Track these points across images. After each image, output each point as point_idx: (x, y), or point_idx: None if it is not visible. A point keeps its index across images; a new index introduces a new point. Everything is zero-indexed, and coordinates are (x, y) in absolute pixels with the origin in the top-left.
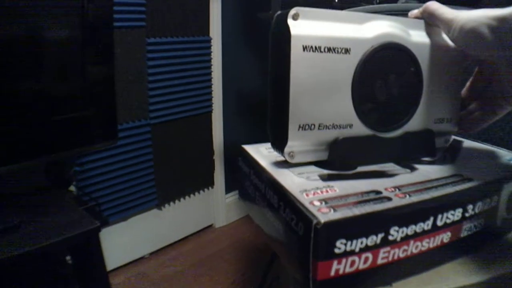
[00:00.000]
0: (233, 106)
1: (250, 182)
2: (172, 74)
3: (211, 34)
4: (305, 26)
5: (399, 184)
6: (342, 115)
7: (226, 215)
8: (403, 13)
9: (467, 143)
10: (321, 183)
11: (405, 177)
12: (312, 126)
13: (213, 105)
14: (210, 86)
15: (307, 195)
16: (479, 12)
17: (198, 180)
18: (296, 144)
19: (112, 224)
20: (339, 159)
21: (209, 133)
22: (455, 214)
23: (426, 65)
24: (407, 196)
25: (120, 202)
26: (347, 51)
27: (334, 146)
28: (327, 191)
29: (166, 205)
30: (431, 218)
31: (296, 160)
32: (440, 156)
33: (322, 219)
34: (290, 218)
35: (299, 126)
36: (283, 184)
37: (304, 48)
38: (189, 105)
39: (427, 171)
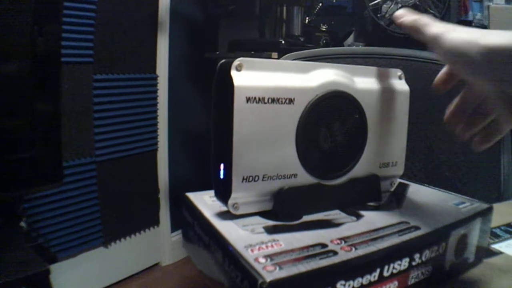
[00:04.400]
0: (179, 144)
1: (194, 232)
2: (118, 111)
3: (157, 72)
4: (248, 77)
5: (344, 235)
6: (286, 165)
7: (172, 254)
8: (349, 56)
9: (414, 186)
10: (266, 237)
11: (350, 226)
12: (256, 178)
13: (158, 143)
14: (155, 124)
15: (252, 251)
16: (473, 34)
17: (144, 218)
18: (240, 195)
19: (61, 260)
20: (284, 209)
21: (154, 171)
22: (402, 264)
23: (371, 111)
24: (353, 249)
25: (68, 239)
26: (291, 101)
27: (279, 196)
28: (272, 246)
29: (113, 243)
30: (378, 270)
31: (240, 211)
32: (386, 200)
33: (268, 278)
34: (235, 274)
35: (243, 178)
36: (227, 238)
37: (248, 99)
38: (135, 142)
39: (372, 218)
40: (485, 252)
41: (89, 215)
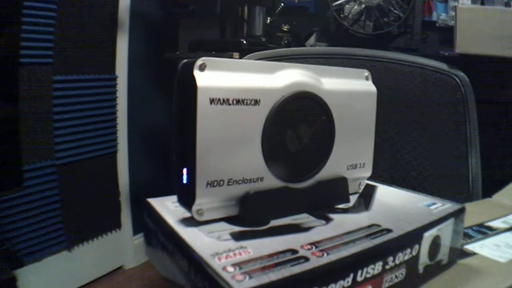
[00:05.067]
0: (140, 146)
1: (157, 240)
2: (78, 113)
3: (117, 72)
4: (212, 77)
5: (315, 240)
6: (252, 168)
7: (135, 257)
8: (312, 57)
9: (382, 188)
10: (233, 244)
11: (320, 230)
12: (221, 182)
13: (118, 145)
14: (115, 126)
15: (219, 259)
16: None
17: (105, 221)
18: (204, 201)
19: (27, 264)
20: (251, 214)
21: (115, 174)
22: (375, 268)
23: (338, 112)
24: (325, 254)
25: (32, 244)
26: (256, 102)
27: (245, 201)
28: (240, 254)
29: (76, 247)
30: (351, 275)
31: (205, 217)
32: (355, 202)
33: None
34: (202, 285)
35: (208, 183)
36: (192, 247)
37: (212, 100)
38: (95, 144)
39: (342, 221)
40: (459, 254)
41: (51, 219)
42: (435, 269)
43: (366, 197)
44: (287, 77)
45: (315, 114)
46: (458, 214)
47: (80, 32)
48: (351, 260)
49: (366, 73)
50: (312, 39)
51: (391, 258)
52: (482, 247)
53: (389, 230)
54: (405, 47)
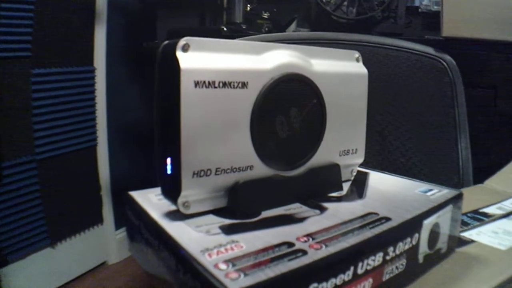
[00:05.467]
0: (120, 139)
1: (141, 236)
2: (57, 106)
3: (95, 64)
4: (196, 59)
5: (311, 231)
6: (241, 156)
7: (119, 252)
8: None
9: (374, 174)
10: (224, 238)
11: (315, 220)
12: (209, 172)
13: (98, 138)
14: (94, 119)
15: (209, 255)
16: None
17: (87, 216)
18: (190, 192)
19: (11, 262)
20: (241, 205)
21: (95, 168)
22: (376, 259)
23: (329, 95)
24: (323, 246)
25: (15, 241)
26: (244, 85)
27: (234, 191)
28: (232, 249)
29: (59, 243)
30: (352, 268)
31: (192, 210)
32: (348, 190)
33: (232, 287)
34: (192, 285)
35: (194, 173)
36: (180, 243)
37: (196, 83)
38: (75, 138)
39: (337, 210)
40: (457, 242)
41: (33, 216)
42: (435, 258)
43: (359, 185)
44: (276, 58)
45: (306, 97)
46: (456, 200)
47: (58, 25)
48: (351, 251)
49: (357, 54)
50: (293, 26)
51: (391, 248)
52: (480, 234)
53: (388, 219)
54: (389, 32)
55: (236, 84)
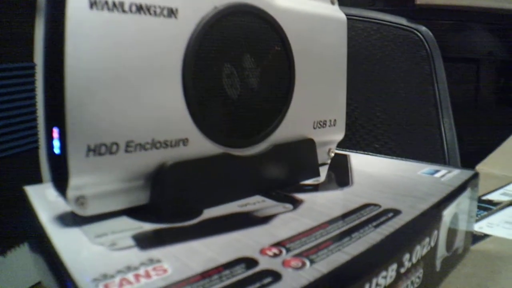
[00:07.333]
0: None
1: (37, 247)
2: None
3: (35, 60)
4: None
5: (283, 237)
6: (168, 124)
7: None
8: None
9: (356, 156)
10: (136, 255)
11: (288, 219)
12: (115, 147)
13: (39, 139)
14: (35, 119)
15: None
16: None
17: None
18: (86, 181)
19: None
20: (170, 200)
21: (38, 171)
22: (388, 276)
23: (298, 41)
24: (307, 262)
25: None
26: (172, 12)
27: (160, 178)
28: (148, 275)
29: (9, 252)
30: None
31: (91, 210)
32: (326, 176)
33: None
34: None
35: (88, 149)
36: (65, 263)
37: (92, 4)
38: (15, 140)
39: (320, 203)
40: (471, 238)
41: None
42: (452, 262)
43: (340, 168)
44: None
45: (266, 40)
46: (474, 183)
47: None
48: (353, 268)
49: None
50: None
51: (407, 256)
52: (492, 226)
53: (396, 211)
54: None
55: (159, 10)
